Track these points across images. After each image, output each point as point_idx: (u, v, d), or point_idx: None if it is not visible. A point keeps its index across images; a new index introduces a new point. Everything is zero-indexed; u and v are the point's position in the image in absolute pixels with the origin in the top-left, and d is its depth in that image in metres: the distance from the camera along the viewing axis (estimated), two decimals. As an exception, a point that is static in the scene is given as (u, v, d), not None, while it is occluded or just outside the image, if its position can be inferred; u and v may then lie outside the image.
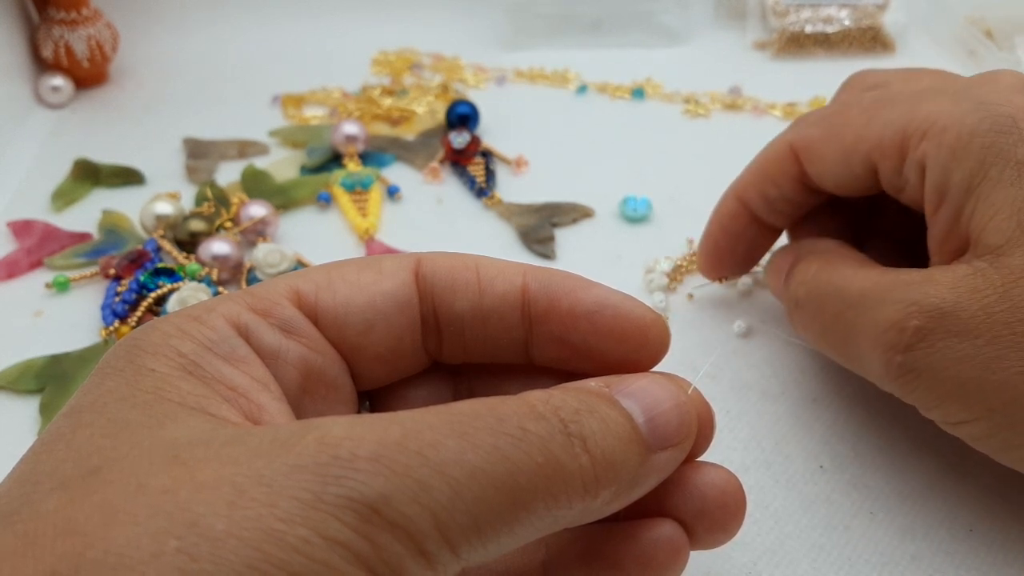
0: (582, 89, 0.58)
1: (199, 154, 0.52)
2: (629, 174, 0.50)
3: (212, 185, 0.49)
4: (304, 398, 0.24)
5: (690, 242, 0.44)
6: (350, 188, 0.49)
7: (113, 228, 0.46)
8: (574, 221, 0.47)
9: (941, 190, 0.29)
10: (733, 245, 0.38)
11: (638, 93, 0.57)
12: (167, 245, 0.44)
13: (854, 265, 0.31)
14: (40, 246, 0.45)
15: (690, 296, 0.41)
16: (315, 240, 0.46)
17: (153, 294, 0.41)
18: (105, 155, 0.52)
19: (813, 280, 0.32)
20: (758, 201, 0.36)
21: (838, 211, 0.37)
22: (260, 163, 0.51)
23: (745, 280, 0.41)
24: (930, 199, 0.30)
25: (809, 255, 0.33)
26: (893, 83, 0.35)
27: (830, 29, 0.61)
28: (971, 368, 0.27)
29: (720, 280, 0.40)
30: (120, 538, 0.16)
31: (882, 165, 0.31)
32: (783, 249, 0.36)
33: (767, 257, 0.38)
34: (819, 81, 0.57)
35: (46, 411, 0.37)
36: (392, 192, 0.49)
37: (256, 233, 0.45)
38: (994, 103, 0.28)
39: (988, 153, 0.28)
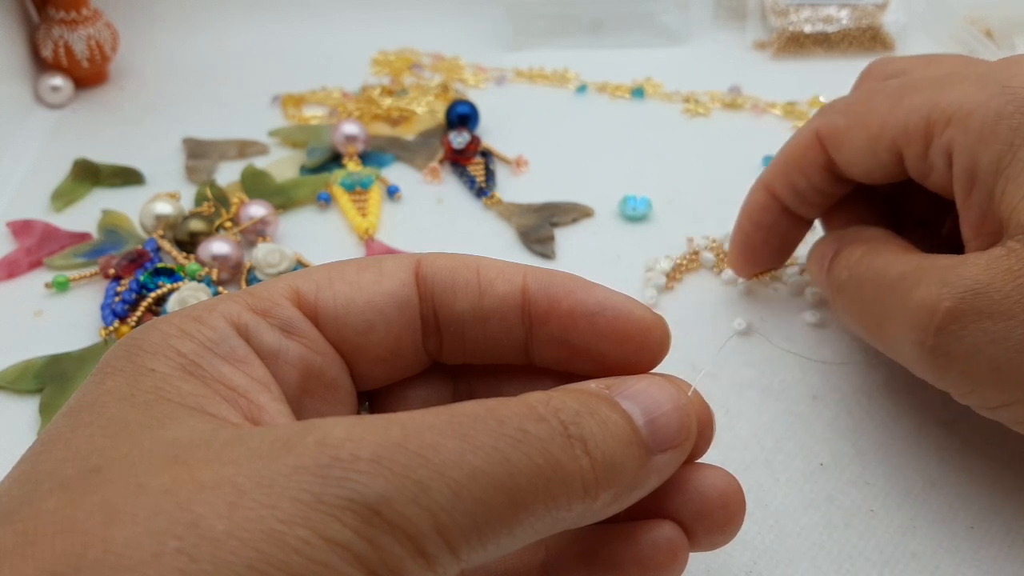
0: (582, 89, 0.58)
1: (199, 154, 0.52)
2: (629, 174, 0.50)
3: (212, 185, 0.49)
4: (304, 398, 0.24)
5: (690, 241, 0.44)
6: (350, 188, 0.49)
7: (113, 228, 0.46)
8: (574, 221, 0.47)
9: (971, 175, 0.29)
10: (766, 238, 0.38)
11: (638, 93, 0.57)
12: (167, 245, 0.44)
13: (897, 251, 0.31)
14: (40, 246, 0.45)
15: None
16: (315, 240, 0.46)
17: (153, 294, 0.41)
18: (105, 155, 0.52)
19: (856, 265, 0.32)
20: (787, 192, 0.36)
21: (871, 200, 0.37)
22: (260, 163, 0.51)
23: (770, 282, 0.41)
24: (960, 185, 0.30)
25: (854, 242, 0.33)
26: (914, 69, 0.35)
27: (830, 29, 0.61)
28: (1006, 350, 0.26)
29: (756, 276, 0.39)
30: (120, 538, 0.16)
31: (907, 151, 0.31)
32: (826, 237, 0.36)
33: (801, 249, 0.38)
34: (819, 81, 0.57)
35: (46, 411, 0.37)
36: (392, 192, 0.49)
37: (256, 233, 0.45)
38: (1019, 86, 0.29)
39: (1016, 135, 0.28)
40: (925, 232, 0.36)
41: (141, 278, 0.41)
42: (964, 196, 0.30)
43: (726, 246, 0.43)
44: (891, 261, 0.31)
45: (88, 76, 0.58)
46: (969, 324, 0.27)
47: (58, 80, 0.56)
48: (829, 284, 0.34)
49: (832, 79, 0.57)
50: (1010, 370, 0.26)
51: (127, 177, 0.51)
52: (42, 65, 0.57)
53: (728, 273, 0.42)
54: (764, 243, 0.38)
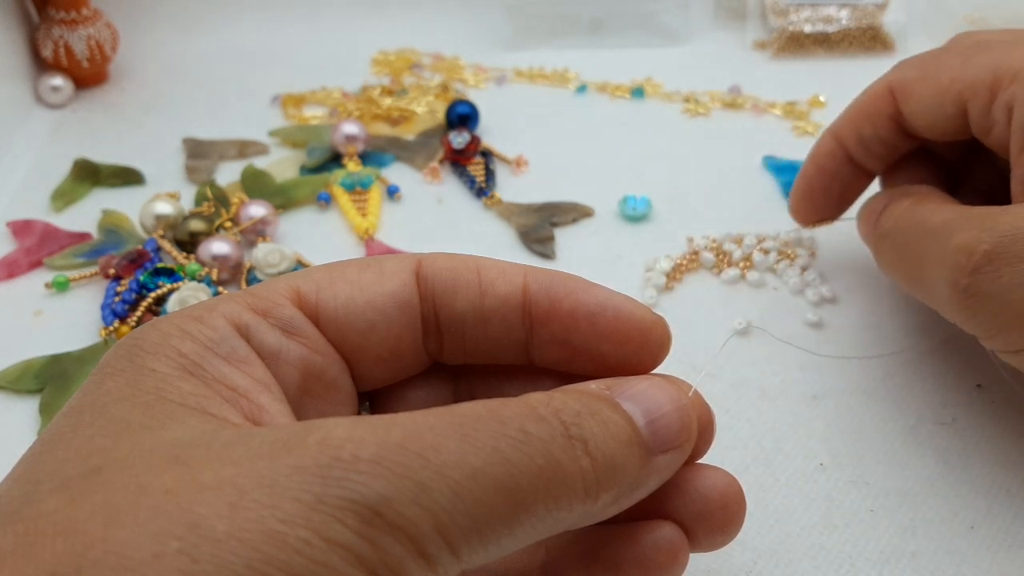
0: (582, 89, 0.58)
1: (199, 154, 0.52)
2: (629, 174, 0.50)
3: (212, 185, 0.49)
4: (304, 398, 0.24)
5: (690, 241, 0.44)
6: (350, 188, 0.49)
7: (113, 228, 0.46)
8: (574, 221, 0.47)
9: None
10: (827, 185, 0.39)
11: (638, 93, 0.57)
12: (167, 245, 0.44)
13: (941, 202, 0.33)
14: (40, 246, 0.45)
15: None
16: (315, 240, 0.46)
17: (153, 294, 0.41)
18: (105, 155, 0.52)
19: (902, 214, 0.33)
20: (853, 140, 0.37)
21: (930, 162, 0.38)
22: (260, 163, 0.51)
23: (753, 275, 0.41)
24: (1016, 139, 0.31)
25: (903, 195, 0.35)
26: (996, 36, 0.35)
27: (830, 29, 0.61)
28: None
29: (813, 225, 0.40)
30: (121, 538, 0.16)
31: (972, 105, 0.32)
32: (878, 194, 0.37)
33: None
34: (819, 81, 0.57)
35: (46, 411, 0.37)
36: (392, 192, 0.49)
37: (256, 233, 0.45)
38: None
39: None
40: (981, 199, 0.36)
41: (141, 278, 0.41)
42: (1018, 151, 0.31)
43: (726, 246, 0.43)
44: (935, 210, 0.32)
45: (88, 76, 0.58)
46: (1003, 267, 0.28)
47: (58, 80, 0.56)
48: (875, 235, 0.36)
49: (832, 79, 0.57)
50: None
51: (127, 177, 0.50)
52: (42, 65, 0.57)
53: (728, 273, 0.42)
54: (824, 190, 0.39)
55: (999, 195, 0.32)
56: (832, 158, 0.38)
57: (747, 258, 0.43)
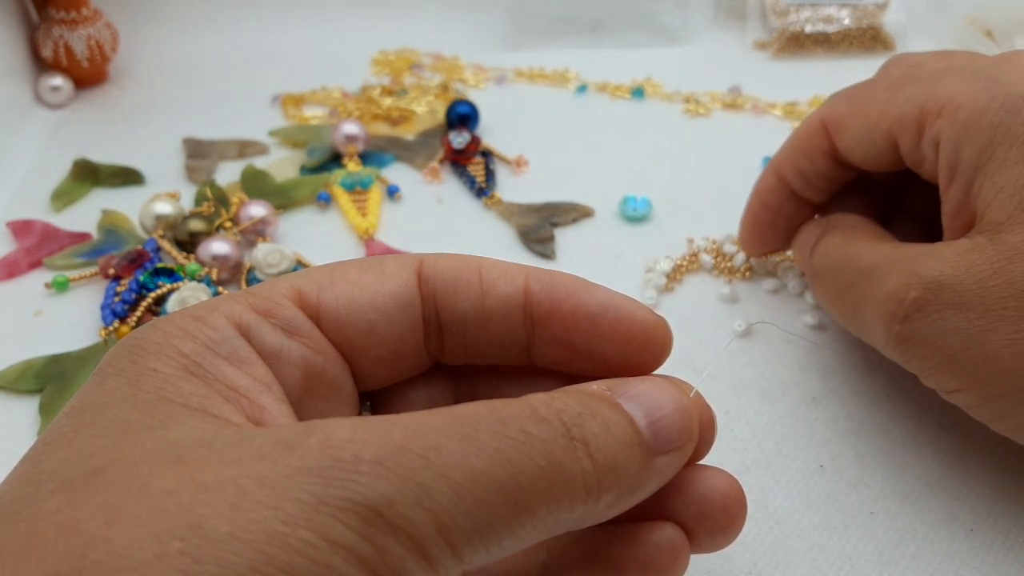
0: (582, 89, 0.58)
1: (199, 154, 0.52)
2: (629, 174, 0.50)
3: (212, 185, 0.49)
4: (306, 398, 0.24)
5: (690, 241, 0.44)
6: (350, 188, 0.49)
7: (113, 228, 0.46)
8: (574, 221, 0.47)
9: (952, 166, 0.30)
10: (773, 219, 0.39)
11: (638, 93, 0.57)
12: (167, 245, 0.44)
13: (872, 239, 0.33)
14: (40, 246, 0.45)
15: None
16: (315, 240, 0.46)
17: (153, 294, 0.41)
18: (105, 155, 0.52)
19: (834, 251, 0.34)
20: (793, 175, 0.37)
21: (867, 190, 0.38)
22: (260, 163, 0.51)
23: (769, 283, 0.41)
24: (943, 174, 0.31)
25: (833, 229, 0.35)
26: (927, 63, 0.35)
27: (830, 29, 0.61)
28: (963, 340, 0.28)
29: (763, 256, 0.41)
30: (122, 539, 0.16)
31: (901, 140, 0.32)
32: (809, 224, 0.37)
33: None
34: (819, 81, 0.57)
35: (46, 411, 0.37)
36: (392, 192, 0.49)
37: (256, 233, 0.45)
38: (1008, 82, 0.29)
39: (997, 132, 0.29)
40: (922, 226, 0.36)
41: (141, 278, 0.41)
42: (945, 186, 0.31)
43: (726, 248, 0.43)
44: (864, 249, 0.32)
45: (88, 76, 0.58)
46: (932, 313, 0.28)
47: (58, 80, 0.56)
48: (808, 271, 0.36)
49: (832, 79, 0.57)
50: (965, 358, 0.28)
51: (127, 177, 0.50)
52: (42, 65, 0.57)
53: (727, 288, 0.41)
54: (771, 224, 0.39)
55: (936, 220, 0.32)
56: (775, 194, 0.38)
57: (747, 260, 0.43)
